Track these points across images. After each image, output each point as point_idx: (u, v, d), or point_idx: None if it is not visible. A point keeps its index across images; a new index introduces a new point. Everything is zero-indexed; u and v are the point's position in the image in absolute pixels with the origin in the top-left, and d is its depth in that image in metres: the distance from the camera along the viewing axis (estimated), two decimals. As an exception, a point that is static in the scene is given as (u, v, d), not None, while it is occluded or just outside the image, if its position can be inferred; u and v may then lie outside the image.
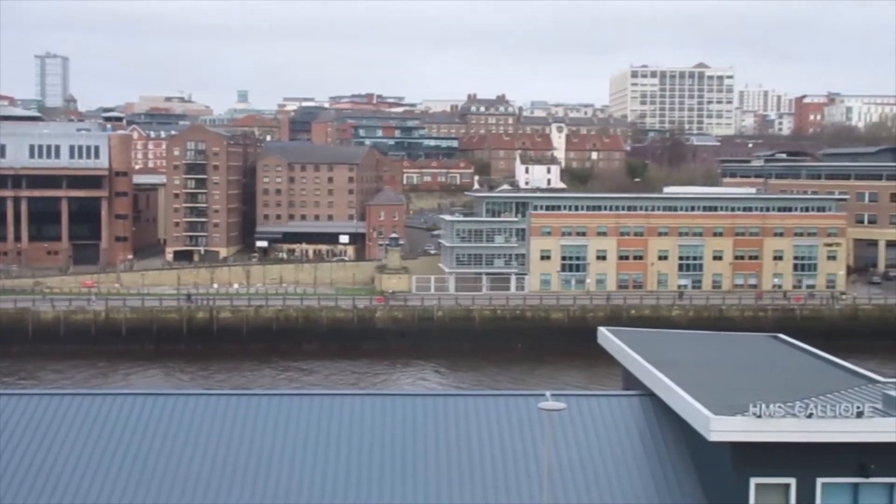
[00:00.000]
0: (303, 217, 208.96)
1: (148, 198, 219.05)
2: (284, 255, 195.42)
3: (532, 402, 38.87)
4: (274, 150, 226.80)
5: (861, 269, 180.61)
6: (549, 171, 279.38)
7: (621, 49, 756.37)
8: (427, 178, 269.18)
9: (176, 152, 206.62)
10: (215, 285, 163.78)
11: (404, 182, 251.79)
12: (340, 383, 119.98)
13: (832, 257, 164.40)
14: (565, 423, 38.19)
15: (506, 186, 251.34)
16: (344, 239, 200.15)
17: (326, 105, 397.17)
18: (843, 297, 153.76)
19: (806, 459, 32.95)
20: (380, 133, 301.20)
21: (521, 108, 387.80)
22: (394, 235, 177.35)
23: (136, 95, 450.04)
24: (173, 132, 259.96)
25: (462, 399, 40.38)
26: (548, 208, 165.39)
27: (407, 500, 35.02)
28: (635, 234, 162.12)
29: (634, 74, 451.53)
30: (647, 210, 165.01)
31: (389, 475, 36.00)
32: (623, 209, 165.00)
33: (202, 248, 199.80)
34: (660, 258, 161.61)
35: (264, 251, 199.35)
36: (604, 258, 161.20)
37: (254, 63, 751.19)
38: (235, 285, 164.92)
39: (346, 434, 37.76)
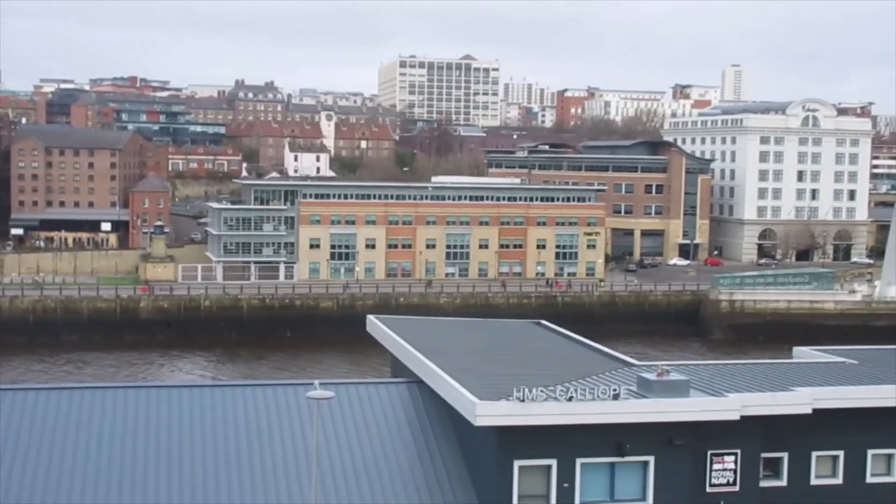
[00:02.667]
0: (62, 204, 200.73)
1: None
2: (42, 244, 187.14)
3: (300, 391, 38.69)
4: (30, 134, 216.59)
5: (618, 257, 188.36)
6: (318, 159, 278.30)
7: (390, 39, 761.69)
8: (193, 165, 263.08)
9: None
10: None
11: (169, 169, 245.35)
12: (104, 376, 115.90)
13: (592, 246, 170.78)
14: (334, 412, 38.20)
15: (274, 174, 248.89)
16: (106, 227, 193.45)
17: (87, 88, 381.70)
18: (602, 284, 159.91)
19: (566, 441, 34.11)
20: (144, 118, 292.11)
21: (290, 96, 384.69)
22: (158, 223, 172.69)
23: None
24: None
25: (229, 389, 39.79)
26: (317, 197, 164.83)
27: (173, 498, 34.17)
28: (404, 223, 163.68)
29: (403, 65, 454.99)
30: (415, 199, 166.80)
31: (154, 471, 35.08)
32: (392, 198, 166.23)
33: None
34: (428, 247, 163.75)
35: (20, 239, 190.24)
36: (373, 247, 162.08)
37: (7, 41, 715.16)
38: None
39: (108, 428, 36.58)
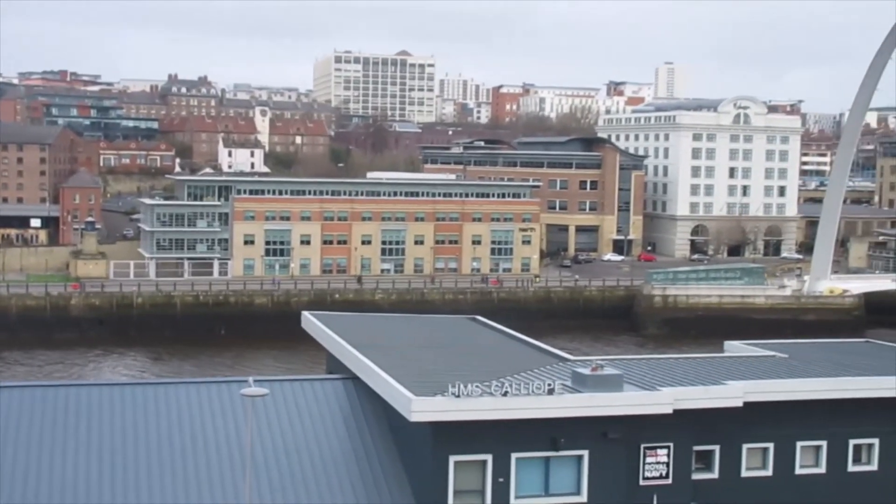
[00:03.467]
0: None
1: None
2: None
3: (234, 388, 38.42)
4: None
5: (553, 253, 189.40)
6: (252, 154, 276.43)
7: (325, 34, 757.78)
8: (126, 161, 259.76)
9: None
10: None
11: (101, 164, 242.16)
12: (33, 375, 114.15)
13: (527, 242, 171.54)
14: (269, 409, 37.96)
15: (208, 170, 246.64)
16: (35, 223, 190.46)
17: (15, 81, 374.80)
18: (537, 279, 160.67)
19: (502, 436, 34.23)
20: (74, 112, 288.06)
21: (223, 91, 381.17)
22: (90, 219, 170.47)
23: None
24: None
25: (162, 387, 39.39)
26: (251, 192, 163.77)
27: (104, 498, 33.71)
28: (339, 219, 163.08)
29: (338, 60, 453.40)
30: (350, 195, 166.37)
31: (84, 470, 34.58)
32: (327, 194, 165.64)
33: None
34: (363, 243, 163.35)
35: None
36: (308, 243, 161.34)
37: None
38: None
39: (37, 427, 36.00)
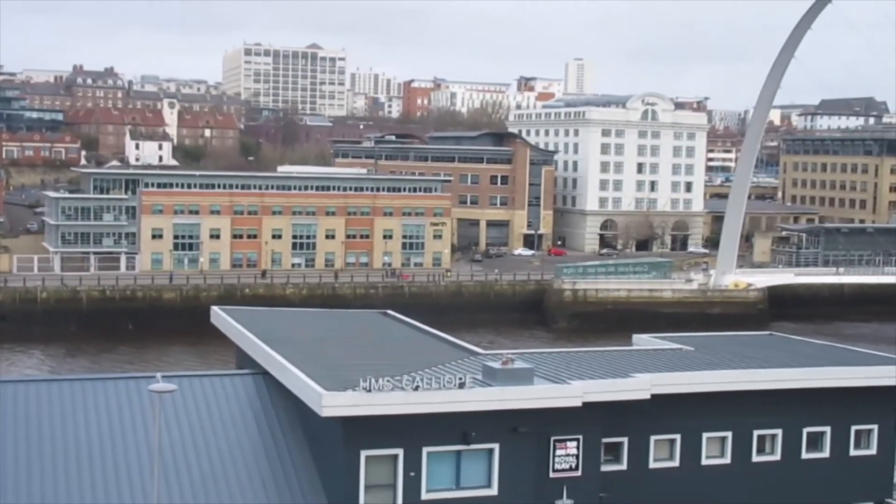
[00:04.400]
0: None
1: None
2: None
3: (142, 384, 37.87)
4: None
5: (464, 247, 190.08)
6: (160, 147, 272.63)
7: (234, 26, 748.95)
8: (29, 153, 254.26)
9: None
10: None
11: (3, 156, 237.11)
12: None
13: (438, 236, 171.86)
14: (177, 406, 37.48)
15: (115, 163, 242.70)
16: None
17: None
18: (448, 274, 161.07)
19: (413, 430, 34.29)
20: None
21: (130, 82, 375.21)
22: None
23: None
24: None
25: (67, 384, 38.62)
26: (159, 186, 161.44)
27: (7, 498, 32.96)
28: (249, 213, 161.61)
29: (248, 52, 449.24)
30: (260, 189, 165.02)
31: (-13, 468, 33.75)
32: (237, 188, 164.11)
33: None
34: (274, 237, 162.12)
35: None
36: (217, 237, 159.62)
37: None
38: None
39: (-64, 426, 35.06)
